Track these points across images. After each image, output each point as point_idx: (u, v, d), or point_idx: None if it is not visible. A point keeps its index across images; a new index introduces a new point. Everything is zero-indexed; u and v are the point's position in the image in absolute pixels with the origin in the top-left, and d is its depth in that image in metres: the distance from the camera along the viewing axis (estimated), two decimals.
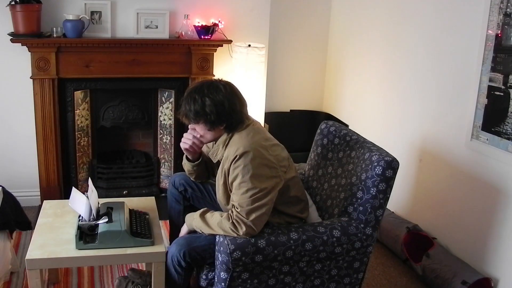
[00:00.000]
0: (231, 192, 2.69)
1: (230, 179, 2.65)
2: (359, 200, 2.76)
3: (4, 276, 3.23)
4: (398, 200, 4.02)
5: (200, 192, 3.13)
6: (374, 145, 2.91)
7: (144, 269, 3.31)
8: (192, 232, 2.85)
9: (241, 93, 2.74)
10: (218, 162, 2.81)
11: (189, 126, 2.80)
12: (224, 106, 2.62)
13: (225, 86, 2.67)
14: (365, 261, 2.84)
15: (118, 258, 2.82)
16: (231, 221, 2.56)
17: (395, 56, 4.17)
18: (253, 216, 2.55)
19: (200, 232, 2.74)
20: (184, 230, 2.88)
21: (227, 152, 2.67)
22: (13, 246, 3.59)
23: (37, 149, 4.23)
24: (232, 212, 2.59)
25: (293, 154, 3.09)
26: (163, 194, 4.64)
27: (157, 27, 4.28)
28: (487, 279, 3.21)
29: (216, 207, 3.10)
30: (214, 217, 2.66)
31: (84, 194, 2.96)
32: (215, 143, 2.81)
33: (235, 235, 2.56)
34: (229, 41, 4.45)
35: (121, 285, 3.08)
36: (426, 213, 3.85)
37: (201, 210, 2.76)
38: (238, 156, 2.57)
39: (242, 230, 2.54)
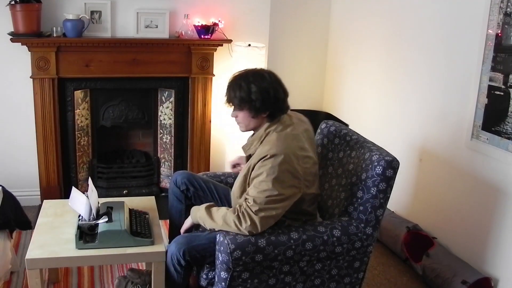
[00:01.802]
0: (248, 186, 2.69)
1: (253, 174, 2.64)
2: (359, 200, 2.76)
3: (4, 275, 3.23)
4: (398, 199, 4.02)
5: (202, 191, 3.12)
6: (374, 144, 2.91)
7: (144, 268, 3.31)
8: (194, 226, 2.85)
9: (283, 83, 2.77)
10: (249, 156, 2.82)
11: (231, 114, 2.80)
12: (269, 93, 2.65)
13: (270, 74, 2.72)
14: (365, 260, 2.84)
15: (118, 257, 2.82)
16: (236, 213, 2.56)
17: (395, 56, 4.17)
18: (261, 214, 2.54)
19: (203, 224, 2.73)
20: (188, 222, 2.87)
21: (260, 149, 2.67)
22: (13, 246, 3.59)
23: (37, 148, 4.23)
24: (242, 204, 2.59)
25: None
26: (163, 194, 4.64)
27: (157, 27, 4.28)
28: (487, 278, 3.21)
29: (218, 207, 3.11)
30: (219, 211, 2.66)
31: (84, 193, 2.96)
32: (250, 137, 2.83)
33: (236, 229, 2.55)
34: (229, 41, 4.45)
35: (120, 285, 3.08)
36: (426, 212, 3.85)
37: (208, 203, 2.77)
38: (268, 156, 2.57)
39: (246, 224, 2.53)
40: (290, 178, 2.60)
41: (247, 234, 2.55)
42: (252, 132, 2.84)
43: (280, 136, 2.67)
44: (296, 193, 2.65)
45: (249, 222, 2.53)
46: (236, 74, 2.75)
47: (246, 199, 2.60)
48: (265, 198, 2.54)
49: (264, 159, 2.58)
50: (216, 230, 2.67)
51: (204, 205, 2.75)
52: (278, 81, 2.74)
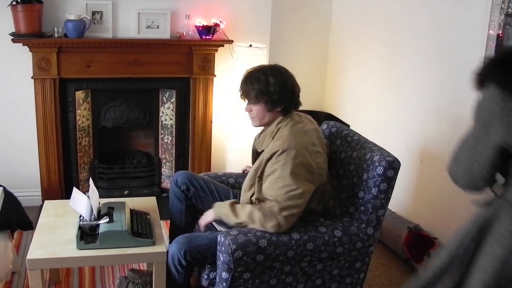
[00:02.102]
0: (258, 181, 2.71)
1: (266, 172, 2.66)
2: (360, 200, 2.76)
3: (5, 276, 3.23)
4: (400, 200, 4.02)
5: (202, 191, 3.12)
6: (375, 145, 2.91)
7: (145, 269, 3.31)
8: (215, 221, 2.87)
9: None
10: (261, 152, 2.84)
11: (245, 108, 2.82)
12: (287, 86, 2.70)
13: (285, 69, 2.78)
14: (366, 261, 2.84)
15: (119, 258, 2.82)
16: (261, 212, 2.59)
17: (396, 56, 4.17)
18: (285, 213, 2.57)
19: (226, 221, 2.75)
20: (209, 216, 2.87)
21: (272, 144, 2.69)
22: (14, 246, 3.59)
23: (38, 149, 4.23)
24: (266, 204, 2.61)
25: None
26: (164, 194, 4.64)
27: (158, 27, 4.28)
28: None
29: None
30: (245, 208, 2.68)
31: (85, 194, 2.97)
32: (261, 133, 2.86)
33: (261, 227, 2.59)
34: (230, 41, 4.45)
35: (121, 285, 3.08)
36: (428, 213, 3.84)
37: (231, 200, 2.79)
38: (280, 151, 2.59)
39: (271, 223, 2.57)
40: (304, 172, 2.62)
41: (273, 232, 2.58)
42: (260, 128, 2.87)
43: (292, 131, 2.70)
44: (311, 188, 2.67)
45: (274, 222, 2.57)
46: (252, 68, 2.79)
47: (267, 199, 2.62)
48: (285, 195, 2.56)
49: (276, 155, 2.60)
50: (240, 226, 2.69)
51: (228, 202, 2.77)
52: (293, 77, 2.79)
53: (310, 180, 2.65)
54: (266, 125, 2.80)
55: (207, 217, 2.88)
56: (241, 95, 2.79)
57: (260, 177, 2.71)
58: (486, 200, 1.88)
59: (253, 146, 3.03)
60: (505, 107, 1.61)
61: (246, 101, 2.79)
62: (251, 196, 2.77)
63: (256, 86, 2.68)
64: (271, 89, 2.66)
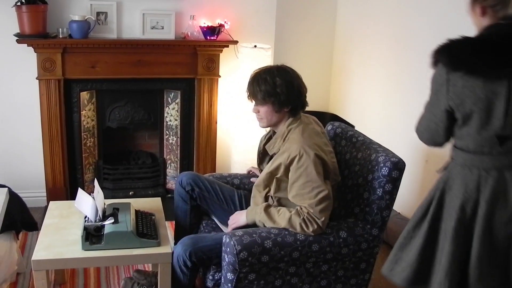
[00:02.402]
0: (276, 182, 2.73)
1: (291, 179, 2.65)
2: (365, 201, 2.75)
3: (10, 277, 3.23)
4: (405, 201, 4.01)
5: (207, 192, 3.12)
6: (380, 146, 2.91)
7: (150, 269, 3.31)
8: (250, 225, 2.86)
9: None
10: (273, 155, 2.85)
11: (253, 110, 2.82)
12: (294, 87, 2.70)
13: (292, 70, 2.78)
14: (371, 262, 2.84)
15: (124, 259, 2.82)
16: (302, 217, 2.60)
17: (401, 57, 4.16)
18: (323, 216, 2.61)
19: (261, 225, 2.74)
20: (242, 222, 2.85)
21: (286, 147, 2.69)
22: (19, 247, 3.60)
23: (43, 150, 4.24)
24: (302, 210, 2.61)
25: None
26: (169, 195, 4.64)
27: (163, 28, 4.28)
28: None
29: (224, 208, 3.11)
30: (281, 212, 2.67)
31: (90, 195, 2.97)
32: (267, 135, 2.88)
33: (301, 231, 2.61)
34: (235, 42, 4.45)
35: (126, 286, 3.09)
36: None
37: (264, 204, 2.76)
38: (299, 156, 2.60)
39: (313, 227, 2.60)
40: (325, 172, 2.65)
41: (312, 234, 2.62)
42: (266, 129, 2.87)
43: (304, 132, 2.70)
44: (331, 188, 2.69)
45: (315, 226, 2.60)
46: (259, 69, 2.79)
47: (301, 207, 2.62)
48: (317, 198, 2.58)
49: (296, 160, 2.60)
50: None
51: (262, 207, 2.75)
52: (300, 77, 2.79)
53: (329, 179, 2.68)
54: (274, 126, 2.80)
55: (239, 221, 2.86)
56: (248, 96, 2.79)
57: (278, 178, 2.72)
58: (444, 166, 2.34)
59: (259, 147, 3.02)
60: (447, 78, 2.25)
61: (253, 102, 2.79)
62: (267, 193, 2.80)
63: (263, 87, 2.68)
64: (278, 90, 2.66)
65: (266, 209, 2.72)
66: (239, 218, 2.87)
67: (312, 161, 2.58)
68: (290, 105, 2.71)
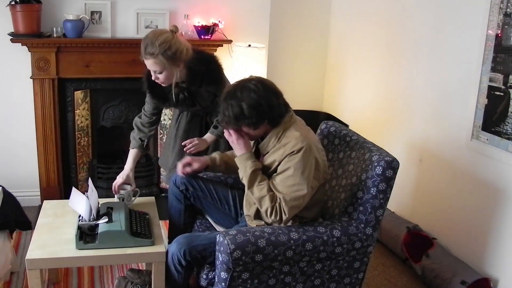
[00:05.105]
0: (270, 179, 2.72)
1: (280, 168, 2.65)
2: (359, 200, 2.76)
3: (4, 276, 3.23)
4: (399, 200, 4.02)
5: (201, 191, 3.12)
6: (374, 145, 2.91)
7: (144, 268, 3.31)
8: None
9: (273, 85, 2.72)
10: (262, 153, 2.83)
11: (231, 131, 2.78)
12: (262, 105, 2.61)
13: (257, 84, 2.64)
14: (365, 261, 2.84)
15: (118, 258, 2.82)
16: (272, 204, 2.62)
17: (395, 56, 4.17)
18: (291, 213, 2.63)
19: (240, 178, 2.74)
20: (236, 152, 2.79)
21: (282, 143, 2.67)
22: (13, 246, 3.59)
23: (37, 149, 4.24)
24: (276, 198, 2.62)
25: None
26: (163, 194, 4.64)
27: (157, 27, 4.28)
28: (486, 279, 3.21)
29: (218, 207, 3.11)
30: (262, 185, 2.66)
31: (84, 194, 2.97)
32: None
33: (264, 214, 2.65)
34: (229, 41, 4.45)
35: (120, 285, 3.08)
36: (426, 213, 3.85)
37: (257, 165, 2.72)
38: (296, 151, 2.60)
39: (275, 218, 2.63)
40: (314, 170, 2.65)
41: (269, 223, 2.67)
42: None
43: (300, 129, 2.70)
44: (316, 186, 2.70)
45: (278, 218, 2.62)
46: (225, 91, 2.71)
47: (276, 195, 2.63)
48: (292, 194, 2.60)
49: (292, 153, 2.60)
50: (245, 190, 2.74)
51: (252, 165, 2.70)
52: (268, 88, 2.67)
53: (316, 178, 2.68)
54: (262, 136, 2.78)
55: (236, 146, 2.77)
56: (221, 122, 2.76)
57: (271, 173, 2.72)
58: None
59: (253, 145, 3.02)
60: None
61: None
62: None
63: (231, 113, 2.62)
64: (246, 113, 2.60)
65: (255, 171, 2.70)
66: (238, 141, 2.75)
67: (306, 158, 2.59)
68: (265, 120, 2.66)
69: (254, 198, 2.68)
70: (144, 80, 3.31)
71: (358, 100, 4.70)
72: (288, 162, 2.61)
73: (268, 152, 2.74)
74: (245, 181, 2.71)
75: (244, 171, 2.72)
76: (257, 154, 2.90)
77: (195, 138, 3.32)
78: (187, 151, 3.32)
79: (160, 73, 3.10)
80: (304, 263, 2.68)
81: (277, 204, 2.62)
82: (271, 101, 2.64)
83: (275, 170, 2.68)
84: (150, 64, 3.09)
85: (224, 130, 2.79)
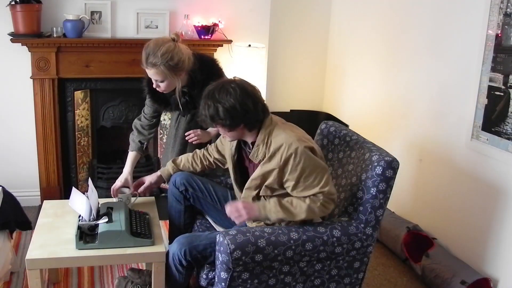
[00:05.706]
0: (264, 188, 2.73)
1: (295, 177, 2.63)
2: (359, 200, 2.76)
3: (4, 276, 3.23)
4: (398, 200, 4.02)
5: (201, 192, 3.12)
6: (374, 145, 2.91)
7: (144, 268, 3.31)
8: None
9: (253, 89, 2.68)
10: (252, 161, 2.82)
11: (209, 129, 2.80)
12: (236, 109, 2.59)
13: (235, 88, 2.61)
14: (365, 261, 2.84)
15: (118, 258, 2.82)
16: (319, 203, 2.63)
17: (395, 56, 4.17)
18: (334, 191, 2.68)
19: (276, 220, 2.72)
20: (252, 216, 2.75)
21: (273, 148, 2.66)
22: (13, 246, 3.59)
23: (37, 149, 4.24)
24: (317, 196, 2.63)
25: None
26: (163, 194, 4.63)
27: (157, 27, 4.28)
28: (486, 279, 3.21)
29: (217, 208, 3.11)
30: (296, 205, 2.66)
31: (84, 194, 2.97)
32: (241, 146, 2.86)
33: (322, 213, 2.68)
34: (229, 41, 4.45)
35: (120, 285, 3.08)
36: (426, 213, 3.85)
37: (275, 199, 2.71)
38: (293, 154, 2.59)
39: (330, 206, 2.67)
40: (319, 159, 2.67)
41: (329, 212, 2.72)
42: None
43: (286, 129, 2.69)
44: (327, 169, 2.73)
45: (332, 204, 2.68)
46: (206, 90, 2.70)
47: (311, 196, 2.65)
48: (323, 181, 2.63)
49: (292, 158, 2.60)
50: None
51: (275, 202, 2.69)
52: (246, 92, 2.63)
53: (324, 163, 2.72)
54: (242, 138, 2.78)
55: (250, 214, 2.72)
56: (199, 120, 2.77)
57: (267, 185, 2.71)
58: None
59: (232, 160, 2.99)
60: None
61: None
62: (257, 194, 2.77)
63: (207, 112, 2.63)
64: (221, 115, 2.59)
65: (280, 203, 2.68)
66: (249, 211, 2.72)
67: (305, 154, 2.59)
68: (241, 123, 2.65)
69: (304, 216, 2.66)
70: (145, 86, 3.31)
71: (358, 100, 4.70)
72: (297, 166, 2.60)
73: (261, 161, 2.72)
74: (285, 216, 2.68)
75: (276, 215, 2.69)
76: (242, 158, 2.89)
77: (198, 130, 3.31)
78: (189, 141, 3.32)
79: (162, 81, 3.10)
80: (304, 263, 2.68)
81: (321, 200, 2.63)
82: (247, 107, 2.61)
83: (277, 176, 2.67)
84: (151, 73, 3.08)
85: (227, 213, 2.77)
